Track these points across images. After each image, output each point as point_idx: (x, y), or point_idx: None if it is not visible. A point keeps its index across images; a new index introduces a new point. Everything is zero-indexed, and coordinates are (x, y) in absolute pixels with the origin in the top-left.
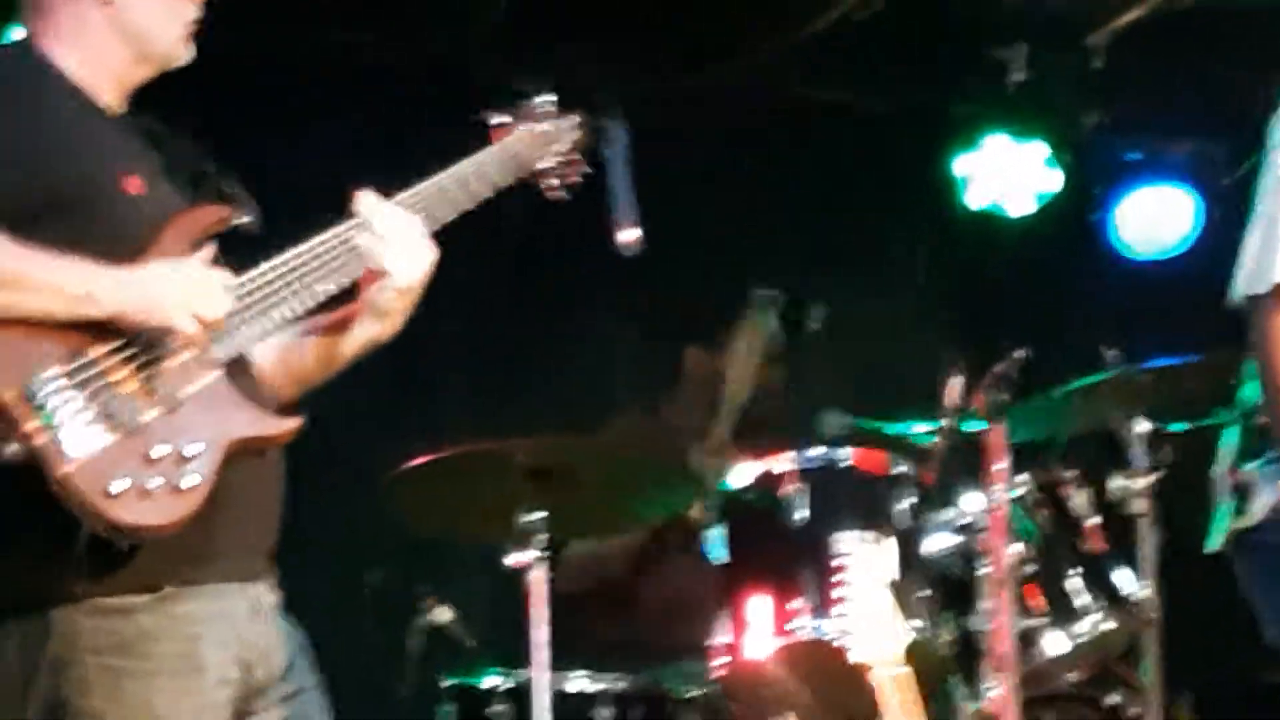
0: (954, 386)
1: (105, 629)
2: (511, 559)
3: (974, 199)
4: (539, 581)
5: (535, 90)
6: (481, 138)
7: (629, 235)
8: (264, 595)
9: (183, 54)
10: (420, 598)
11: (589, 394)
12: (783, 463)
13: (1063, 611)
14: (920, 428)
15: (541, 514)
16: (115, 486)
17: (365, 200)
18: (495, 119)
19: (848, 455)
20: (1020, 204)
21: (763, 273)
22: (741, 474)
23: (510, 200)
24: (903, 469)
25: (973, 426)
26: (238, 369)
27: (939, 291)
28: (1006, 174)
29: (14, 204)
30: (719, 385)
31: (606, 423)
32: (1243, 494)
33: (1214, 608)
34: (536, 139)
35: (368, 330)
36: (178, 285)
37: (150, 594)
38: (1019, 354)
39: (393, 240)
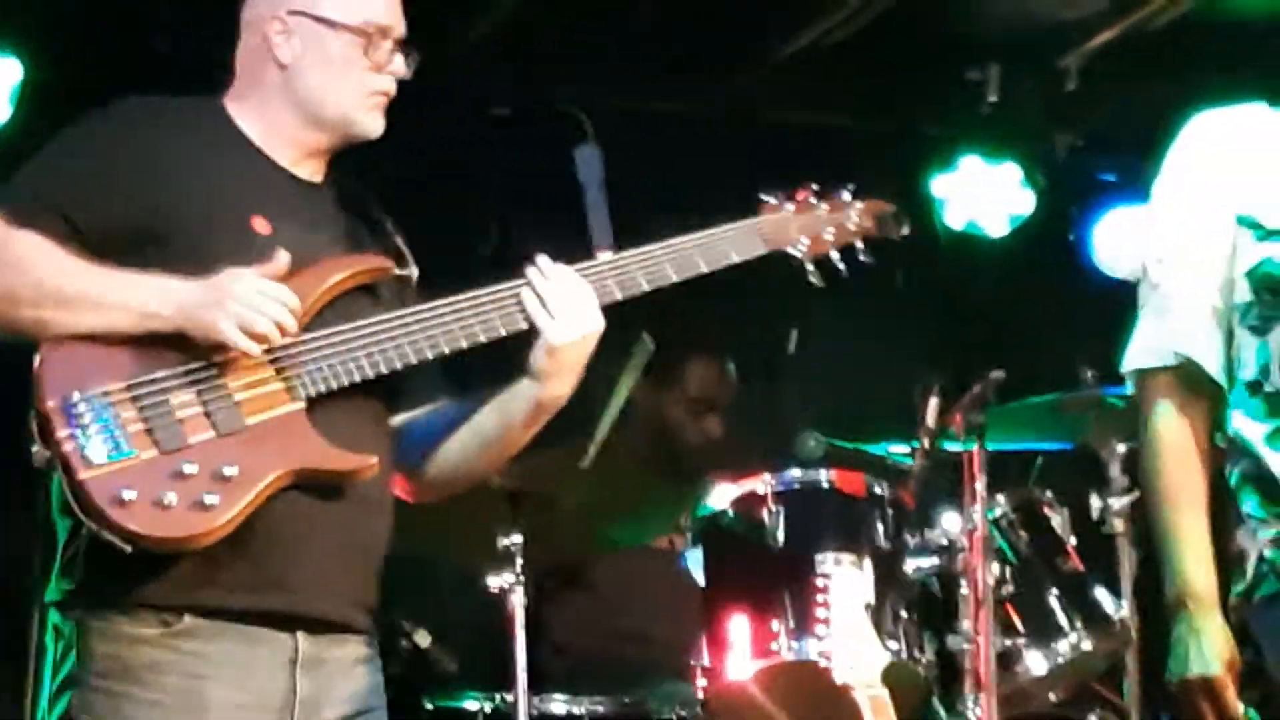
0: (932, 407)
1: (114, 654)
2: (491, 582)
3: (952, 220)
4: (518, 604)
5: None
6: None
7: (605, 256)
8: (326, 648)
9: (364, 124)
10: (399, 621)
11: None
12: (761, 484)
13: (1042, 632)
14: (898, 448)
15: (519, 537)
16: (126, 495)
17: (539, 263)
18: (768, 196)
19: (826, 476)
20: (995, 225)
21: (740, 294)
22: (720, 496)
23: (483, 215)
24: (881, 490)
25: (951, 447)
26: (349, 407)
27: (917, 312)
28: (981, 195)
29: (116, 227)
30: (664, 419)
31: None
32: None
33: None
34: (802, 220)
35: (530, 391)
36: (230, 295)
37: (164, 627)
38: (996, 375)
39: (552, 300)
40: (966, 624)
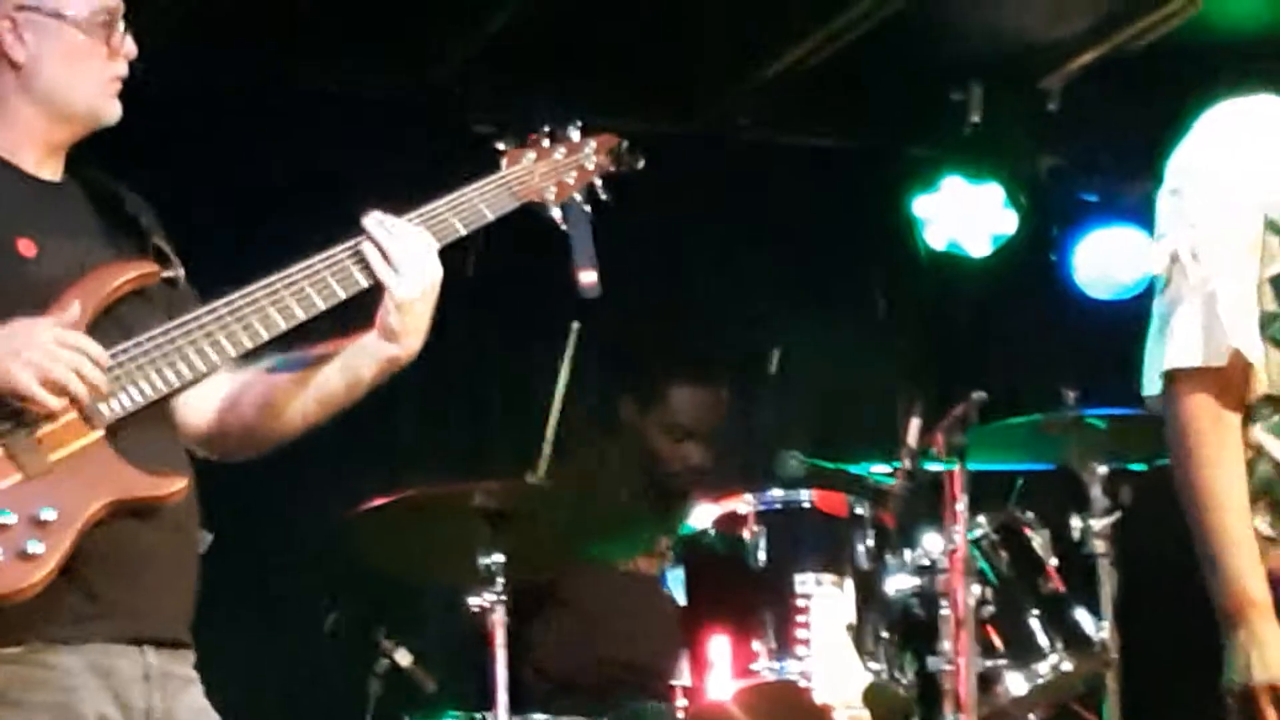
0: (913, 427)
1: None
2: (472, 601)
3: (934, 240)
4: (499, 624)
5: (496, 133)
6: (491, 163)
7: (588, 278)
8: (172, 664)
9: (109, 112)
10: (380, 640)
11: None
12: (742, 504)
13: (1023, 652)
14: (880, 469)
15: (500, 556)
16: None
17: (370, 217)
18: (505, 144)
19: (807, 496)
20: (977, 246)
21: (723, 314)
22: (701, 516)
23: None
24: (863, 510)
25: (932, 467)
26: (144, 424)
27: (899, 332)
28: (963, 216)
29: None
30: (650, 439)
31: (564, 465)
32: None
33: (1174, 648)
34: (545, 166)
35: (381, 350)
36: (27, 347)
37: (21, 646)
38: (977, 395)
39: (395, 255)
40: (947, 644)
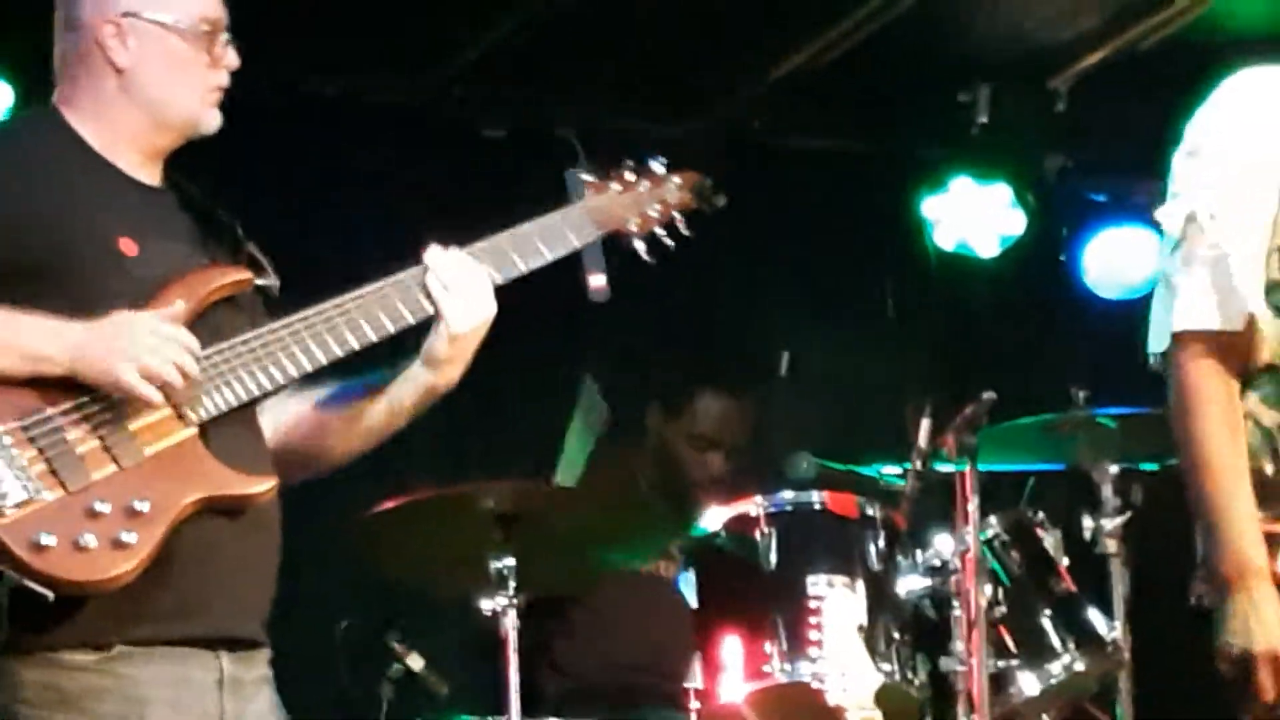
0: (924, 428)
1: (48, 683)
2: (484, 605)
3: (943, 241)
4: (511, 628)
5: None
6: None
7: (598, 282)
8: (245, 670)
9: (208, 121)
10: (392, 644)
11: (559, 439)
12: (753, 506)
13: (1035, 653)
14: (890, 470)
15: (511, 560)
16: (44, 540)
17: (431, 250)
18: (586, 176)
19: (818, 498)
20: (986, 246)
21: (733, 316)
22: (712, 518)
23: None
24: (874, 512)
25: (943, 468)
26: (233, 425)
27: (908, 333)
28: (972, 216)
29: None
30: (673, 447)
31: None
32: None
33: (1186, 648)
34: (630, 198)
35: (423, 378)
36: (129, 340)
37: (99, 652)
38: (987, 396)
39: (452, 287)
40: (959, 645)
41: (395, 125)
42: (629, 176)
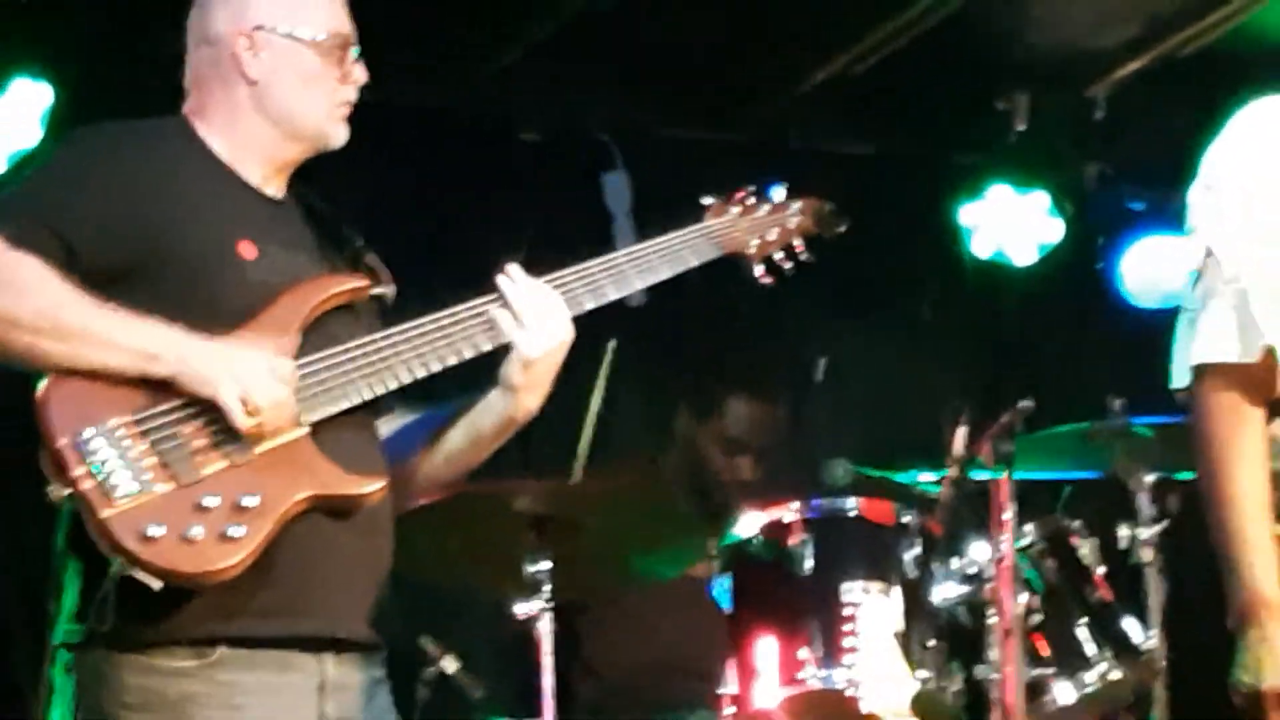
0: (960, 435)
1: (148, 687)
2: (518, 609)
3: (980, 248)
4: (546, 631)
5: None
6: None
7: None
8: (350, 673)
9: (336, 135)
10: (426, 647)
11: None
12: (789, 512)
13: (1070, 661)
14: (926, 477)
15: (546, 564)
16: (153, 531)
17: (509, 273)
18: (711, 199)
19: (854, 504)
20: (1023, 254)
21: (769, 323)
22: (747, 524)
23: (509, 241)
24: (909, 518)
25: (979, 476)
26: (346, 428)
27: (945, 340)
28: (1009, 224)
29: (109, 259)
30: (703, 450)
31: (609, 470)
32: None
33: (1221, 657)
34: (750, 222)
35: (501, 406)
36: (238, 364)
37: (199, 659)
38: (1024, 404)
39: (525, 314)
40: (994, 653)
41: (432, 128)
42: (750, 200)
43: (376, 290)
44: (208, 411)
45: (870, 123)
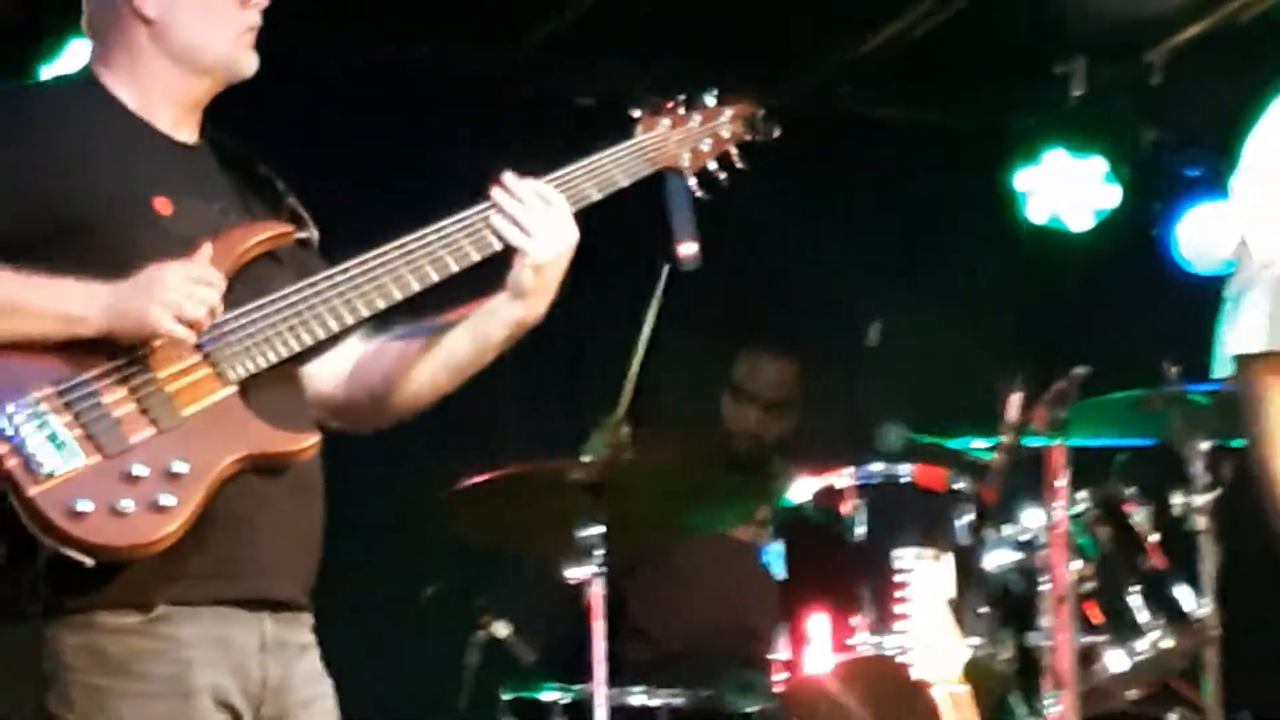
0: (1014, 402)
1: (93, 647)
2: (571, 573)
3: (1035, 214)
4: (598, 596)
5: (590, 101)
6: (625, 130)
7: (688, 250)
8: (288, 632)
9: (245, 63)
10: (478, 612)
11: (648, 406)
12: (842, 478)
13: (1123, 629)
14: (980, 444)
15: (599, 529)
16: (81, 505)
17: (506, 180)
18: (640, 111)
19: (907, 471)
20: (1079, 220)
21: (823, 288)
22: (800, 489)
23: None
24: (962, 485)
25: (1033, 442)
26: (274, 383)
27: (999, 306)
28: (1065, 189)
29: (23, 227)
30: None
31: (662, 435)
32: None
33: (1274, 625)
34: (680, 133)
35: (510, 312)
36: (161, 287)
37: (142, 614)
38: (1079, 370)
39: (530, 217)
40: (1047, 620)
41: (486, 93)
42: (680, 111)
43: (300, 235)
44: (133, 375)
45: (925, 87)
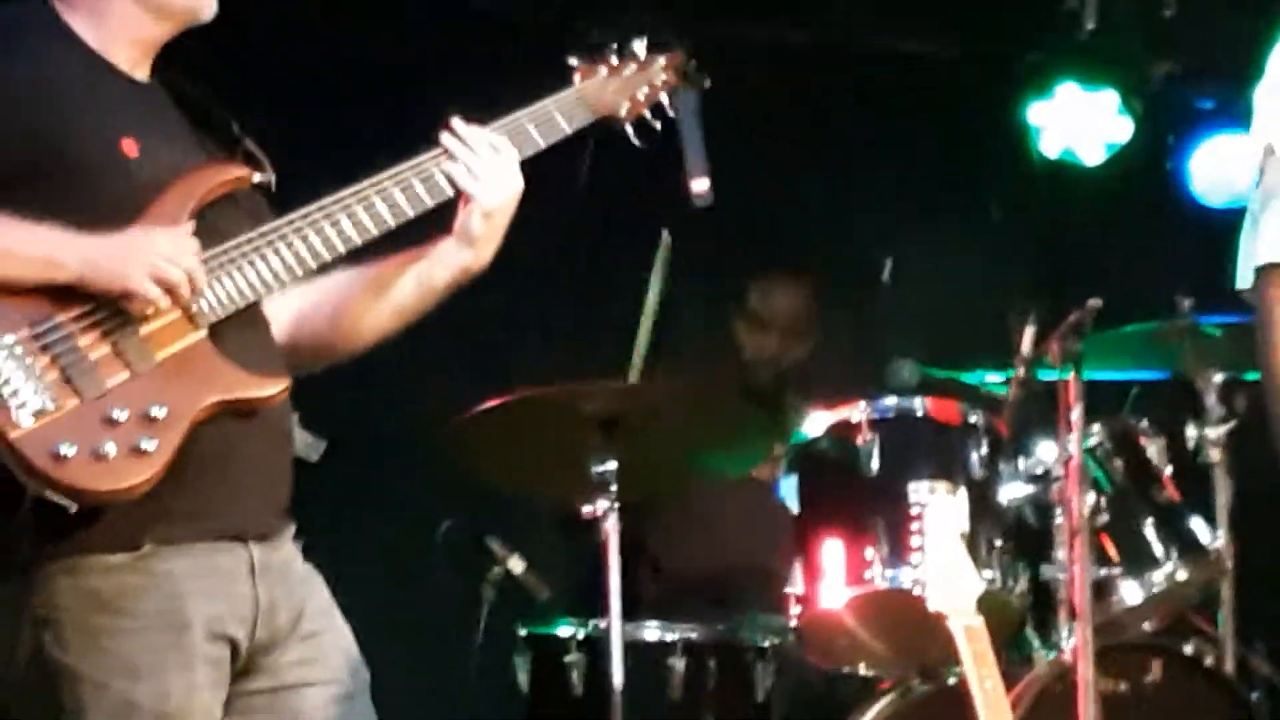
0: (1028, 335)
1: (85, 587)
2: (585, 509)
3: (1048, 147)
4: (613, 531)
5: (601, 36)
6: (565, 79)
7: (700, 186)
8: (271, 553)
9: (205, 7)
10: (493, 547)
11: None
12: (856, 412)
13: (1137, 561)
14: (994, 377)
15: (612, 464)
16: (64, 450)
17: (455, 126)
18: (577, 61)
19: (921, 405)
20: (1092, 153)
21: (837, 223)
22: (814, 423)
23: (579, 143)
24: (976, 419)
25: (1046, 376)
26: (243, 327)
27: (1013, 240)
28: (1078, 123)
29: None
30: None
31: (676, 369)
32: None
33: None
34: (617, 82)
35: (457, 258)
36: (143, 249)
37: (130, 552)
38: (1093, 303)
39: (479, 164)
40: (1061, 553)
41: (497, 33)
42: (614, 60)
43: (258, 178)
44: (106, 319)
45: (938, 22)
